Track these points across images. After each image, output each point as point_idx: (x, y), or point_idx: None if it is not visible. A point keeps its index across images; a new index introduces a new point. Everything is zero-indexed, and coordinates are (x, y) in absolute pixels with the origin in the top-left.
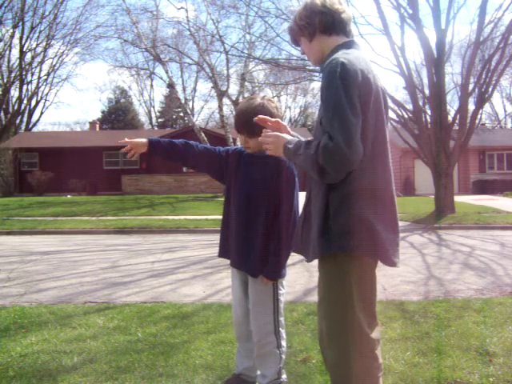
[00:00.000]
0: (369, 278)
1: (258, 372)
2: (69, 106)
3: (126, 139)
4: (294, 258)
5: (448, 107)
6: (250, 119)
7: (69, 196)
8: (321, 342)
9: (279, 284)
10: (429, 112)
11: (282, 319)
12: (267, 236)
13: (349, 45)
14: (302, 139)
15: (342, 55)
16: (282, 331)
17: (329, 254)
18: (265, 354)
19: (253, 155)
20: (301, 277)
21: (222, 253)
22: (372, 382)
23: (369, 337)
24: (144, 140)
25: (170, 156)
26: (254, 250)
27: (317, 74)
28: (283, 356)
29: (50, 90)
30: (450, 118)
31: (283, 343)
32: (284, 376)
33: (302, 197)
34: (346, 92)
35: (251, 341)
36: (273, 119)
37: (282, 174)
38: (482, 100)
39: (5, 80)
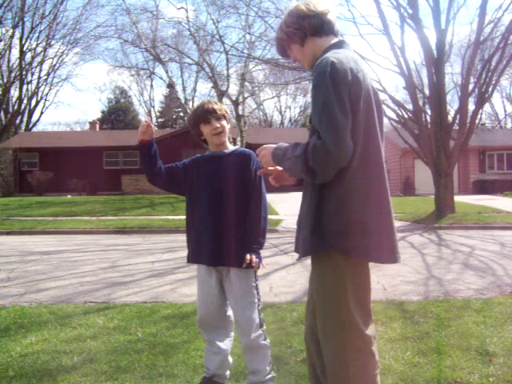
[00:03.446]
0: (363, 275)
1: (250, 377)
2: (69, 106)
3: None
4: (294, 257)
5: (448, 107)
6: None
7: (69, 196)
8: (306, 336)
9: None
10: (429, 112)
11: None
12: (241, 228)
13: (339, 45)
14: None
15: (331, 55)
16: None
17: (322, 253)
18: (256, 348)
19: (212, 155)
20: (301, 277)
21: (195, 257)
22: (369, 378)
23: (365, 334)
24: (152, 136)
25: (147, 162)
26: (231, 242)
27: None
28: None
29: (50, 89)
30: (450, 117)
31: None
32: (273, 372)
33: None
34: (336, 90)
35: (219, 331)
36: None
37: (249, 166)
38: (482, 100)
39: (5, 80)
